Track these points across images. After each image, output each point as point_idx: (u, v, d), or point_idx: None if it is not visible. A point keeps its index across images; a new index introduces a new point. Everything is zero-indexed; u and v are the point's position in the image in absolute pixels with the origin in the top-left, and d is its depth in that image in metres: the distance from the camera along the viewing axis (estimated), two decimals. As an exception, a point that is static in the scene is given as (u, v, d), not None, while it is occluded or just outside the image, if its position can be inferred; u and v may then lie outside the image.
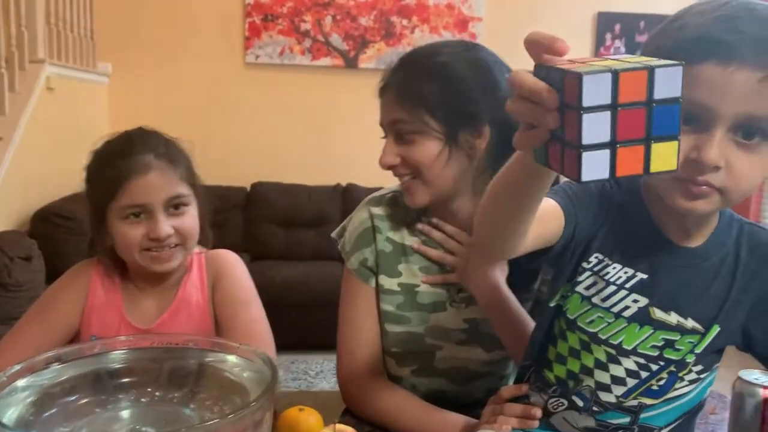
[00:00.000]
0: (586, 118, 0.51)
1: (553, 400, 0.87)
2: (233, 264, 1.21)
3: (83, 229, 3.21)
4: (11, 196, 3.08)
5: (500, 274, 1.03)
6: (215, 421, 0.64)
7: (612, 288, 0.82)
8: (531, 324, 1.01)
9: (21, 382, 0.72)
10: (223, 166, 4.02)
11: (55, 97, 3.54)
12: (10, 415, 0.68)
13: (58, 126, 3.61)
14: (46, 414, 0.71)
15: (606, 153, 0.52)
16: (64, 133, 3.68)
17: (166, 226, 1.07)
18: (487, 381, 1.13)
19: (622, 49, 4.57)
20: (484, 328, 1.10)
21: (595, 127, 0.51)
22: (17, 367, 0.72)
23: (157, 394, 0.78)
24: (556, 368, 0.86)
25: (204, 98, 4.39)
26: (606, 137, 0.51)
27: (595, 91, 0.50)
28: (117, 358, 0.81)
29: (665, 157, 0.53)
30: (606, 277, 0.83)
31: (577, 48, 4.47)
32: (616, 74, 0.50)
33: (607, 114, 0.51)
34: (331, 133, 4.59)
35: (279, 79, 4.50)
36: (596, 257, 0.84)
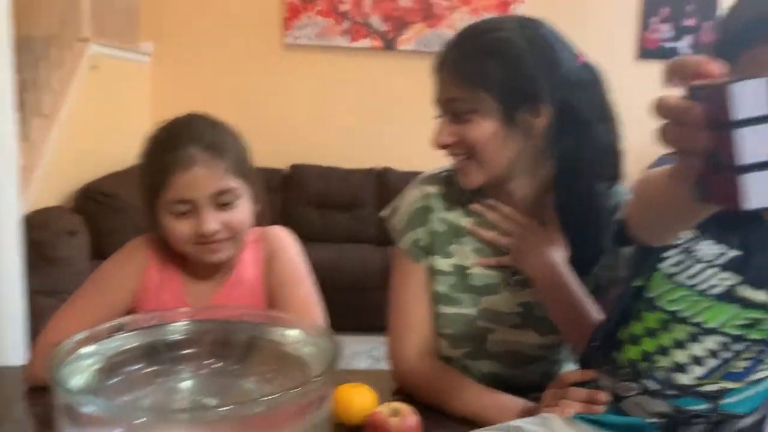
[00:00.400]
0: (740, 133, 0.45)
1: (623, 383, 0.85)
2: (287, 243, 1.21)
3: (125, 207, 3.28)
4: (57, 173, 3.13)
5: (560, 256, 1.01)
6: (280, 394, 0.63)
7: (700, 266, 0.80)
8: (592, 307, 0.99)
9: (86, 350, 0.73)
10: (261, 147, 3.98)
11: (99, 75, 3.58)
12: (77, 382, 0.69)
13: (101, 104, 3.66)
14: (111, 382, 0.72)
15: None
16: (107, 111, 3.73)
17: (212, 222, 1.05)
18: (540, 365, 1.12)
19: (668, 35, 4.45)
20: (539, 312, 1.08)
21: (754, 143, 0.44)
22: (82, 335, 0.72)
23: (215, 366, 0.78)
24: (629, 349, 0.83)
25: (243, 79, 4.40)
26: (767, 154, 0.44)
27: (748, 102, 0.44)
28: (176, 329, 0.81)
29: None
30: (695, 255, 0.81)
31: (621, 34, 4.31)
32: None
33: (766, 127, 0.44)
34: (368, 116, 4.58)
35: (318, 61, 4.49)
36: (686, 233, 0.82)
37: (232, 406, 0.61)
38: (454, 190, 1.11)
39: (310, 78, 4.50)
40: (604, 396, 0.83)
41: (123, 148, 3.99)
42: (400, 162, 4.49)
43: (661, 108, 0.51)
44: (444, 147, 1.03)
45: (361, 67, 4.52)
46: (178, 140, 1.05)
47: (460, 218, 1.11)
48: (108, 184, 3.27)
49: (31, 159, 2.92)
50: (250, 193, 1.11)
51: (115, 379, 0.73)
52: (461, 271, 1.10)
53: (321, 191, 4.31)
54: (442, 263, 1.10)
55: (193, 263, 1.14)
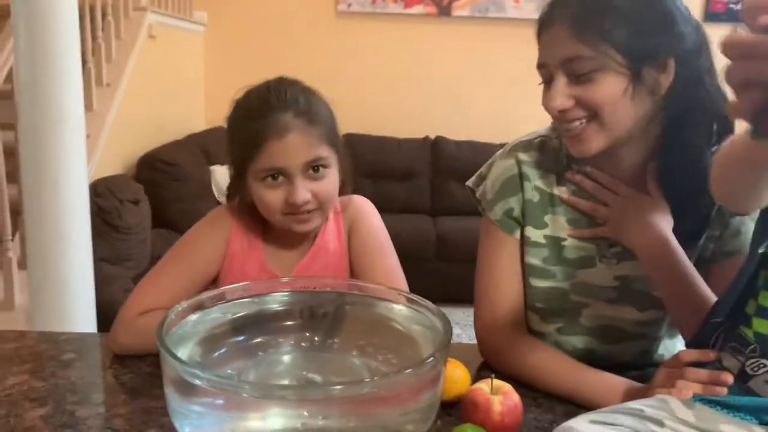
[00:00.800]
0: None
1: (752, 361, 0.78)
2: (369, 212, 1.18)
3: (185, 175, 3.31)
4: (119, 142, 3.17)
5: (667, 226, 0.95)
6: (395, 373, 0.60)
7: None
8: (701, 281, 0.93)
9: (191, 319, 0.71)
10: (315, 116, 4.02)
11: (156, 45, 3.59)
12: (183, 352, 0.67)
13: (159, 74, 3.68)
14: (216, 354, 0.70)
15: None
16: (164, 80, 3.76)
17: (304, 191, 1.02)
18: (638, 342, 1.06)
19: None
20: (637, 286, 1.02)
21: None
22: (186, 304, 0.71)
23: (316, 339, 0.76)
24: (757, 323, 0.77)
25: (295, 47, 4.37)
26: None
27: None
28: (276, 300, 0.79)
29: None
30: None
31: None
32: None
33: None
34: (421, 84, 4.50)
35: (371, 28, 4.42)
36: None
37: (344, 386, 0.58)
38: (548, 157, 1.05)
39: (363, 46, 4.44)
40: (729, 377, 0.77)
41: (180, 118, 4.03)
42: (453, 131, 4.42)
43: (730, 43, 0.50)
44: (562, 112, 0.94)
45: (415, 35, 4.43)
46: (272, 106, 1.01)
47: (554, 187, 1.05)
48: (168, 152, 3.30)
49: (94, 128, 2.96)
50: (338, 162, 1.07)
51: (220, 351, 0.71)
52: (555, 242, 1.04)
53: (374, 161, 4.27)
54: (536, 234, 1.05)
55: (277, 232, 1.12)
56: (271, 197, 1.03)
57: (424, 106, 4.53)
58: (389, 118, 4.48)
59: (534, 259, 1.05)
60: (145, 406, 0.90)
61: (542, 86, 0.97)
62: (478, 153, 4.31)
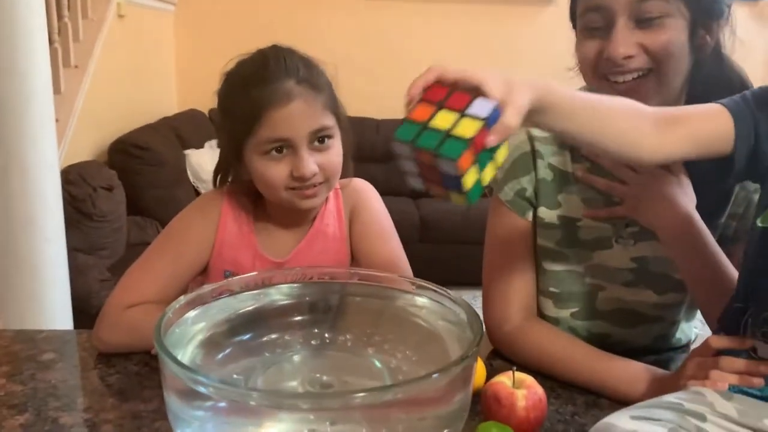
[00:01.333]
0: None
1: None
2: (371, 196, 1.11)
3: (160, 160, 3.19)
4: (89, 126, 3.04)
5: (690, 204, 0.89)
6: (424, 378, 0.53)
7: None
8: (726, 261, 0.88)
9: (191, 316, 0.64)
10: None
11: (126, 24, 3.45)
12: (185, 355, 0.60)
13: (129, 54, 3.54)
14: (220, 355, 0.63)
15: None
16: (135, 61, 3.62)
17: (311, 163, 0.95)
18: (656, 326, 1.02)
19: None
20: (655, 268, 0.97)
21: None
22: (185, 299, 0.64)
23: (326, 335, 0.69)
24: None
25: (269, 27, 4.25)
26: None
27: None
28: (283, 292, 0.72)
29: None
30: None
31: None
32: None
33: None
34: (400, 64, 4.41)
35: (347, 6, 4.33)
36: None
37: (366, 393, 0.52)
38: None
39: (340, 24, 4.34)
40: (765, 368, 0.72)
41: (152, 100, 3.89)
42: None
43: None
44: (626, 59, 0.87)
45: (393, 12, 4.34)
46: (272, 73, 0.94)
47: (568, 164, 0.99)
48: (141, 136, 3.18)
49: (63, 112, 2.83)
50: (342, 134, 1.01)
51: (224, 352, 0.64)
52: (569, 223, 0.99)
53: (354, 143, 4.18)
54: (549, 215, 0.99)
55: (270, 216, 1.05)
56: (274, 172, 0.96)
57: (403, 85, 4.42)
58: (368, 99, 4.39)
59: (547, 242, 1.00)
60: (135, 409, 0.83)
61: (576, 37, 0.91)
62: (459, 133, 4.25)
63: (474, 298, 1.85)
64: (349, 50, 4.35)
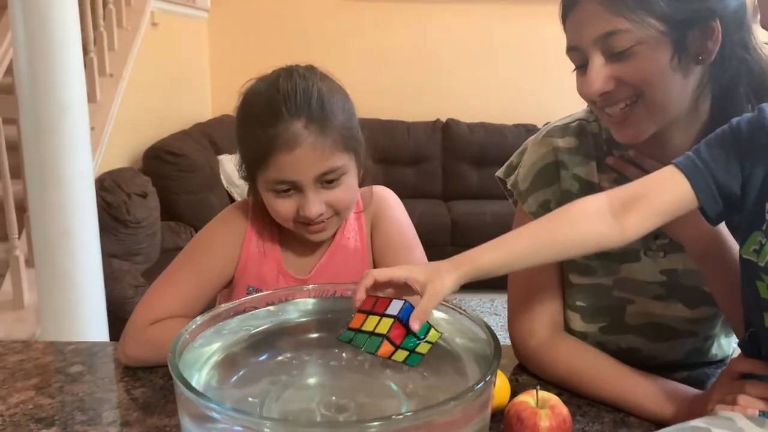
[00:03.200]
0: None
1: None
2: (393, 204, 1.10)
3: (193, 166, 3.23)
4: (124, 133, 3.10)
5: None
6: (441, 404, 0.52)
7: None
8: None
9: (206, 335, 0.64)
10: (323, 101, 3.93)
11: (160, 32, 3.51)
12: (199, 378, 0.60)
13: (163, 62, 3.60)
14: (235, 377, 0.63)
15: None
16: (169, 69, 3.68)
17: (316, 204, 0.94)
18: (688, 341, 0.98)
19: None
20: (686, 281, 0.94)
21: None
22: (200, 320, 0.64)
23: (344, 355, 0.69)
24: None
25: (302, 31, 4.27)
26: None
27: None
28: (300, 310, 0.72)
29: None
30: None
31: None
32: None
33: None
34: (431, 66, 4.40)
35: (378, 9, 4.32)
36: None
37: (380, 422, 0.51)
38: (587, 142, 0.96)
39: (371, 28, 4.34)
40: None
41: (186, 107, 3.95)
42: (464, 113, 4.32)
43: None
44: (603, 95, 0.85)
45: (424, 14, 4.32)
46: (280, 114, 0.91)
47: (594, 175, 0.96)
48: (175, 143, 3.23)
49: (98, 120, 2.89)
50: (357, 163, 0.99)
51: (239, 374, 0.64)
52: None
53: (384, 146, 4.18)
54: None
55: (294, 232, 1.04)
56: (282, 208, 0.96)
57: (435, 88, 4.43)
58: (399, 102, 4.39)
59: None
60: (159, 424, 0.84)
61: (575, 73, 0.88)
62: (491, 135, 4.22)
63: (505, 303, 1.82)
64: (383, 53, 4.36)
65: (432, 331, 0.66)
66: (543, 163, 0.97)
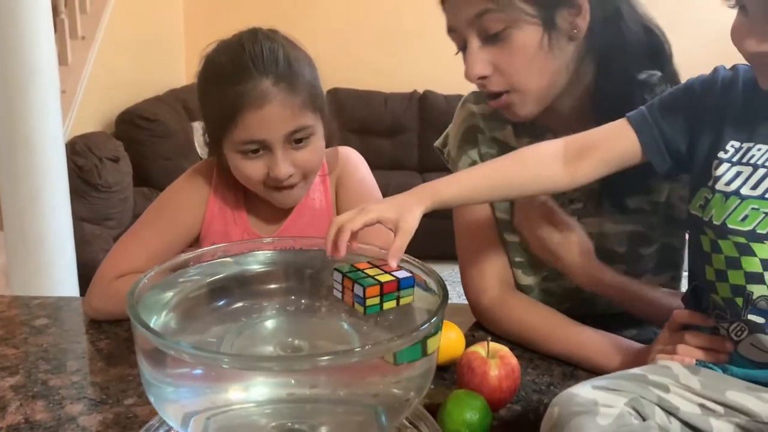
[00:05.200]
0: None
1: (734, 326, 0.75)
2: (357, 164, 1.11)
3: (167, 131, 3.21)
4: (96, 97, 3.06)
5: (586, 252, 0.91)
6: (387, 341, 0.55)
7: (762, 171, 0.70)
8: (641, 287, 0.92)
9: (164, 283, 0.66)
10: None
11: (133, -5, 3.45)
12: (157, 321, 0.62)
13: (137, 25, 3.55)
14: (194, 320, 0.65)
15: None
16: (143, 32, 3.62)
17: (286, 165, 0.94)
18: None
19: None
20: (600, 245, 0.96)
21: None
22: (159, 268, 0.65)
23: (303, 301, 0.71)
24: (720, 288, 0.73)
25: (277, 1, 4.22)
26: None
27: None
28: (258, 260, 0.73)
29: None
30: (752, 161, 0.71)
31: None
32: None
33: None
34: (409, 37, 4.38)
35: (355, -21, 4.28)
36: (732, 146, 0.73)
37: (331, 356, 0.54)
38: None
39: (348, -2, 4.31)
40: (728, 345, 0.73)
41: (160, 72, 3.90)
42: (442, 85, 4.32)
43: None
44: (482, 80, 0.89)
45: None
46: (247, 71, 0.90)
47: (511, 137, 1.00)
48: (148, 108, 3.20)
49: (69, 84, 2.85)
50: (324, 125, 0.99)
51: (198, 317, 0.66)
52: None
53: (361, 116, 4.18)
54: None
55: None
56: (250, 170, 0.95)
57: (412, 59, 4.41)
58: (376, 73, 4.37)
59: (502, 214, 1.02)
60: (123, 373, 0.86)
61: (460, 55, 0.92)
62: (467, 107, 4.23)
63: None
64: (358, 21, 4.33)
65: (406, 297, 0.67)
66: (464, 127, 1.03)
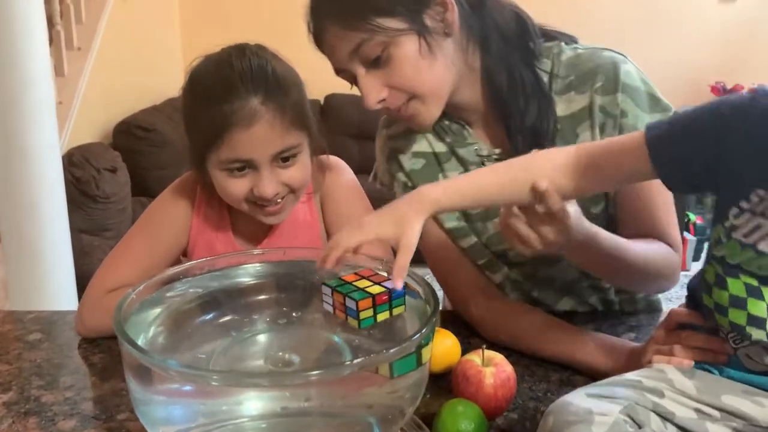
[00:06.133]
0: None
1: (732, 335, 0.73)
2: (341, 173, 1.08)
3: (164, 141, 3.21)
4: (93, 108, 3.06)
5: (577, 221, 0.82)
6: (378, 354, 0.55)
7: None
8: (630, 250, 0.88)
9: (151, 299, 0.65)
10: (296, 76, 3.91)
11: (129, 4, 3.45)
12: (145, 338, 0.61)
13: (133, 35, 3.55)
14: (183, 335, 0.65)
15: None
16: (139, 42, 3.63)
17: (272, 184, 0.92)
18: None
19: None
20: None
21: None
22: (145, 284, 0.65)
23: (294, 314, 0.70)
24: (717, 317, 0.71)
25: (274, 7, 4.22)
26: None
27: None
28: (247, 273, 0.73)
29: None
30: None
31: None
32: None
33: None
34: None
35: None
36: (757, 195, 0.63)
37: (322, 371, 0.53)
38: None
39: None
40: (727, 346, 0.72)
41: (157, 81, 3.90)
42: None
43: None
44: (381, 102, 0.90)
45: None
46: (235, 90, 0.88)
47: (434, 144, 1.02)
48: (145, 118, 3.20)
49: (66, 95, 2.85)
50: (310, 142, 0.98)
51: (187, 332, 0.65)
52: None
53: (359, 121, 4.17)
54: None
55: None
56: (234, 188, 0.93)
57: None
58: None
59: (450, 223, 1.03)
60: (116, 388, 0.85)
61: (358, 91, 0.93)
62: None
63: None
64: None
65: (398, 308, 0.66)
66: (385, 153, 1.06)
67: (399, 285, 0.65)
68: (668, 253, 0.94)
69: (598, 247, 0.84)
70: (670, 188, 0.73)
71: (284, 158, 0.93)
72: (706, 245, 0.85)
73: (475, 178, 0.78)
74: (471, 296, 0.99)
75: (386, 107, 0.91)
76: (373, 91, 0.88)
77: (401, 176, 1.03)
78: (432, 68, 0.89)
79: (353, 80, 0.92)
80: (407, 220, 0.70)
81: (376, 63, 0.87)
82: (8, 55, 2.00)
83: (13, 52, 2.00)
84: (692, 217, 3.55)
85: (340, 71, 0.92)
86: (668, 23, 3.95)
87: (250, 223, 1.04)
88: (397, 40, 0.86)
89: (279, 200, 0.95)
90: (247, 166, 0.92)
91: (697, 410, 0.64)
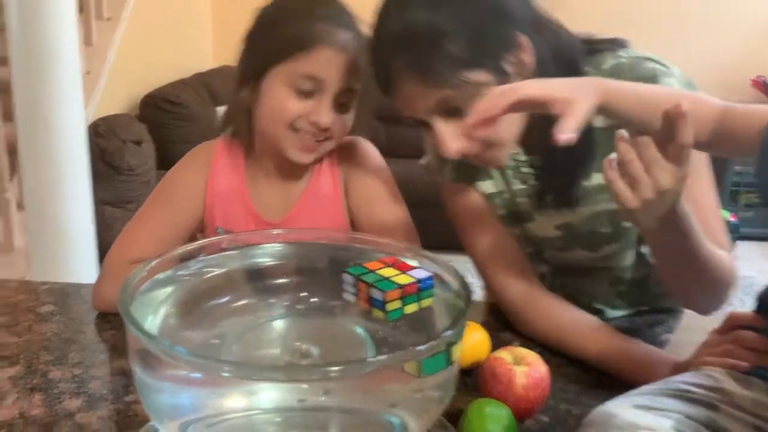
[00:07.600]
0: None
1: None
2: (368, 153, 1.05)
3: (191, 115, 3.17)
4: (121, 79, 3.04)
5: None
6: (403, 352, 0.50)
7: None
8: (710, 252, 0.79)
9: (162, 278, 0.61)
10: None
11: (160, -24, 3.42)
12: (153, 321, 0.57)
13: (164, 6, 3.51)
14: (192, 320, 0.60)
15: None
16: (170, 14, 3.59)
17: (331, 113, 0.92)
18: (603, 273, 1.01)
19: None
20: (582, 229, 0.94)
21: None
22: (156, 261, 0.60)
23: (313, 300, 0.66)
24: None
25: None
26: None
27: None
28: (266, 253, 0.68)
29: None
30: None
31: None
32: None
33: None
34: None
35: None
36: None
37: (341, 367, 0.48)
38: None
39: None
40: None
41: (187, 55, 3.87)
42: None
43: None
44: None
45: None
46: (332, 15, 0.92)
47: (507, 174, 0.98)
48: (173, 91, 3.16)
49: (94, 65, 2.83)
50: (358, 104, 0.97)
51: (200, 315, 0.61)
52: (488, 199, 0.99)
53: (385, 103, 4.08)
54: (486, 186, 0.99)
55: (264, 170, 1.01)
56: (292, 105, 0.92)
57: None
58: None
59: (501, 210, 1.00)
60: (126, 367, 0.81)
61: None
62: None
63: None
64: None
65: (427, 299, 0.62)
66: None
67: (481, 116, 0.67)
68: (728, 258, 0.84)
69: (686, 229, 0.75)
70: None
71: (343, 102, 0.94)
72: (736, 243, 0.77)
73: (647, 86, 0.75)
74: (511, 281, 0.94)
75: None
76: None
77: (449, 164, 0.99)
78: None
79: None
80: (584, 91, 0.68)
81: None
82: (36, 24, 1.96)
83: (41, 22, 1.97)
84: (726, 214, 3.45)
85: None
86: (708, 17, 3.82)
87: (269, 194, 1.02)
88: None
89: (322, 138, 0.94)
90: (314, 89, 0.92)
91: (755, 426, 0.58)
